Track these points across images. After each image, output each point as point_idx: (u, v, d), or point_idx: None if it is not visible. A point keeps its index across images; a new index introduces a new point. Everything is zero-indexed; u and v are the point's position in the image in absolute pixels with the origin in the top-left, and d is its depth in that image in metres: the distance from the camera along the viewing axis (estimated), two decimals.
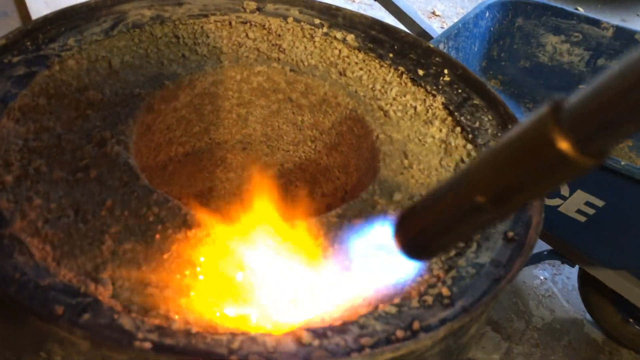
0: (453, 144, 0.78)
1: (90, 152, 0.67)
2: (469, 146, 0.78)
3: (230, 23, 0.92)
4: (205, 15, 0.92)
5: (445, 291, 0.57)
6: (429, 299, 0.56)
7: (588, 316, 1.67)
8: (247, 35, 0.91)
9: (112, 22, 0.85)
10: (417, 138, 0.79)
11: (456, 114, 0.83)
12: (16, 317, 0.49)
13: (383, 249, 0.56)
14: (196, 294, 0.54)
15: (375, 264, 0.58)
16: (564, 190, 1.25)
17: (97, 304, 0.51)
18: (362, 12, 3.12)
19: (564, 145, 0.31)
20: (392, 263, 0.57)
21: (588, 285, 1.54)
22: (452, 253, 0.63)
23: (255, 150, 0.95)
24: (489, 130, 0.80)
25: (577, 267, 1.54)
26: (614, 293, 1.42)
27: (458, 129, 0.81)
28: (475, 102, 0.85)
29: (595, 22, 1.80)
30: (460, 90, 0.86)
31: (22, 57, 0.75)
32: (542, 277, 1.82)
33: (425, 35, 1.88)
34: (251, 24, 0.92)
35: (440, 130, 0.81)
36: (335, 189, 0.92)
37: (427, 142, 0.79)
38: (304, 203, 0.96)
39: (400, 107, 0.84)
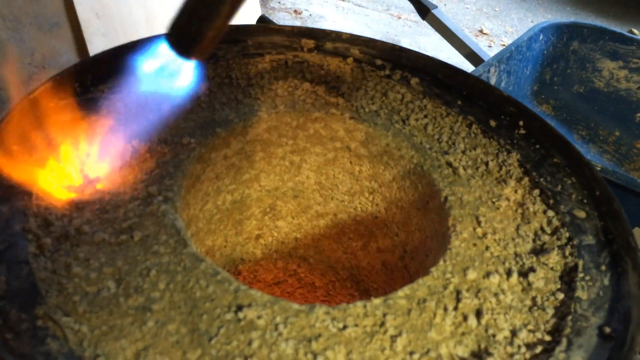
0: (531, 210, 0.70)
1: (135, 210, 0.62)
2: (550, 213, 0.69)
3: (286, 63, 0.86)
4: (261, 55, 0.86)
5: None
6: None
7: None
8: (304, 76, 0.85)
9: None
10: (490, 200, 0.71)
11: (534, 173, 0.74)
12: None
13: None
14: None
15: None
16: None
17: None
18: (407, 29, 3.06)
19: None
20: None
21: None
22: (538, 350, 0.55)
23: (307, 198, 0.89)
24: (573, 196, 0.71)
25: None
26: None
27: (536, 191, 0.72)
28: (555, 160, 0.76)
29: None
30: (538, 146, 0.78)
31: (68, 100, 0.71)
32: None
33: (474, 56, 1.81)
34: (308, 64, 0.86)
35: (516, 192, 0.72)
36: (393, 246, 0.84)
37: (502, 205, 0.70)
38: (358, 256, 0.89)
39: (470, 163, 0.76)
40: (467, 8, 3.55)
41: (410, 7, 1.88)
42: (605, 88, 1.86)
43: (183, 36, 0.52)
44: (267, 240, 0.93)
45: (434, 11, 1.85)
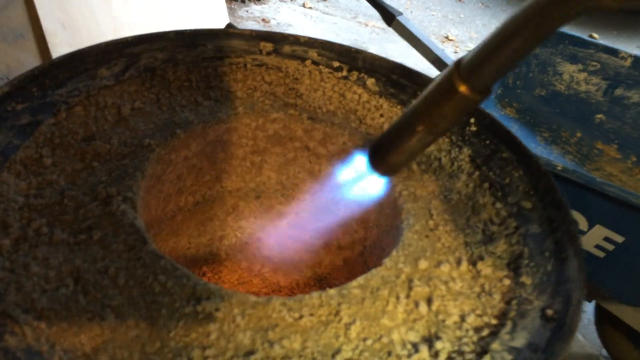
0: (481, 202, 0.73)
1: (94, 210, 0.63)
2: (499, 204, 0.73)
3: (245, 65, 0.88)
4: (220, 58, 0.88)
5: None
6: None
7: (604, 352, 1.62)
8: (262, 78, 0.87)
9: (124, 66, 0.81)
10: (442, 194, 0.74)
11: (484, 168, 0.78)
12: None
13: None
14: None
15: None
16: (583, 224, 1.21)
17: None
18: (375, 36, 3.10)
19: (462, 89, 0.49)
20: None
21: (605, 321, 1.49)
22: (485, 333, 0.57)
23: (269, 198, 0.91)
24: (520, 187, 0.75)
25: (593, 301, 1.49)
26: (631, 329, 1.37)
27: (486, 184, 0.75)
28: (504, 155, 0.80)
29: (614, 52, 1.78)
30: (488, 142, 0.81)
31: (27, 104, 0.72)
32: None
33: (439, 62, 1.85)
34: (267, 67, 0.88)
35: (467, 186, 0.76)
36: (353, 242, 0.87)
37: (453, 198, 0.74)
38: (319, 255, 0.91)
39: (423, 159, 0.79)
40: (433, 15, 3.62)
41: (378, 14, 1.91)
42: (566, 91, 1.91)
43: (382, 158, 0.60)
44: (231, 241, 0.94)
45: (399, 18, 1.88)
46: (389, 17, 1.90)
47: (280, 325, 0.55)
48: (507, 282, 0.63)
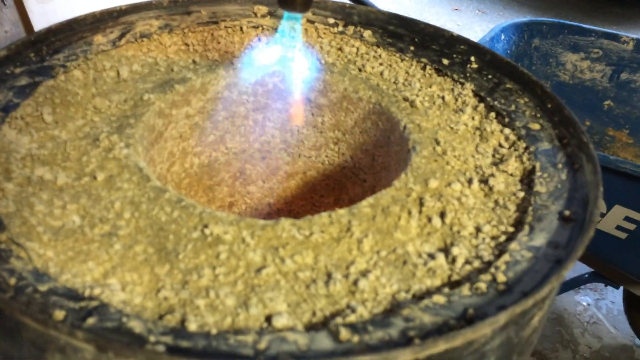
0: (488, 130, 0.72)
1: (97, 156, 0.62)
2: (507, 130, 0.71)
3: (241, 28, 0.88)
4: (215, 22, 0.88)
5: (500, 277, 0.50)
6: (482, 286, 0.49)
7: (638, 341, 1.57)
8: (259, 39, 0.87)
9: (119, 33, 0.82)
10: (449, 126, 0.73)
11: (488, 99, 0.76)
12: (12, 327, 0.43)
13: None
14: (215, 294, 0.48)
15: None
16: (601, 207, 1.18)
17: (103, 308, 0.45)
18: None
19: None
20: None
21: (635, 308, 1.44)
22: (502, 239, 0.56)
23: (275, 158, 0.90)
24: (527, 112, 0.74)
25: (621, 289, 1.44)
26: None
27: (492, 114, 0.74)
28: (508, 86, 0.78)
29: (615, 37, 1.75)
30: (490, 76, 0.80)
31: (25, 68, 0.72)
32: (584, 304, 1.71)
33: None
34: (263, 28, 0.89)
35: (473, 118, 0.74)
36: (363, 193, 0.85)
37: (460, 129, 0.72)
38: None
39: (427, 98, 0.78)
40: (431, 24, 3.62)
41: None
42: (570, 80, 1.88)
43: None
44: (241, 208, 0.93)
45: None
46: None
47: (290, 244, 0.54)
48: (521, 194, 0.61)
